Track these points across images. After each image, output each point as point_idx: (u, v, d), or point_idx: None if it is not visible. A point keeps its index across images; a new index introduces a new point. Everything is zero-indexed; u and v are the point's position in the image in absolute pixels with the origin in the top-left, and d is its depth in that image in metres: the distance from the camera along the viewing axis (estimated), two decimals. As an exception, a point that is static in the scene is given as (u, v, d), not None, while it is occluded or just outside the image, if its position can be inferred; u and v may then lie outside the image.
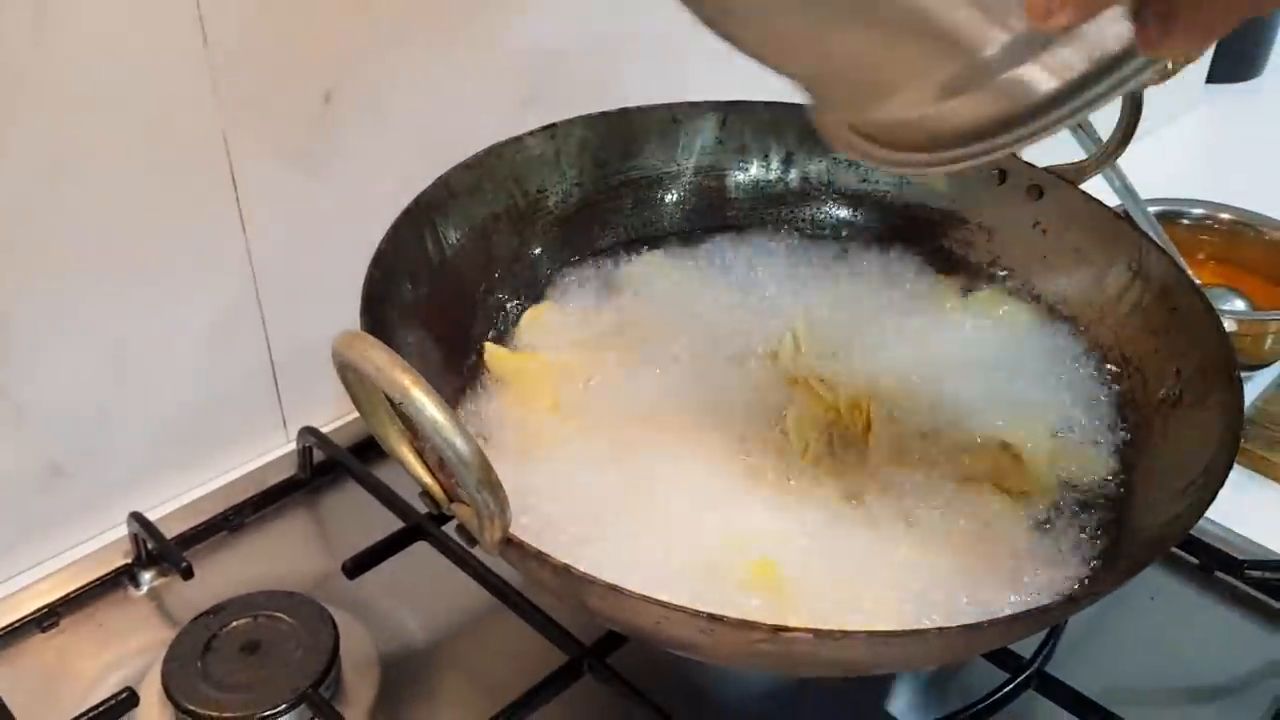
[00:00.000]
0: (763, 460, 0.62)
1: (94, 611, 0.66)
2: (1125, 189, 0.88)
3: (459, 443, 0.42)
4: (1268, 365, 0.84)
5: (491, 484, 0.44)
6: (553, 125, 0.72)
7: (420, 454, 0.50)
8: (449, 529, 0.61)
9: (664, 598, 0.45)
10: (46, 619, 0.65)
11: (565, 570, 0.46)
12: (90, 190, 0.62)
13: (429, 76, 0.74)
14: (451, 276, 0.66)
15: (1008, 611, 0.53)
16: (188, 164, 0.65)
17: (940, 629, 0.47)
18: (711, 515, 0.59)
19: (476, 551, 0.52)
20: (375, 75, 0.71)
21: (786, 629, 0.44)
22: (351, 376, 0.46)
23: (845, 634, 0.44)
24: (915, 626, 0.50)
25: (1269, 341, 0.82)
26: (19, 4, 0.56)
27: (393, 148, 0.73)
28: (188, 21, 0.62)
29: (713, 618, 0.44)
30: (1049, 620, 0.52)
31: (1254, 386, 0.83)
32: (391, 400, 0.45)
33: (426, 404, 0.42)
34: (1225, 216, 0.91)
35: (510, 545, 0.47)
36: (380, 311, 0.59)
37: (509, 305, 0.70)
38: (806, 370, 0.67)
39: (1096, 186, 0.74)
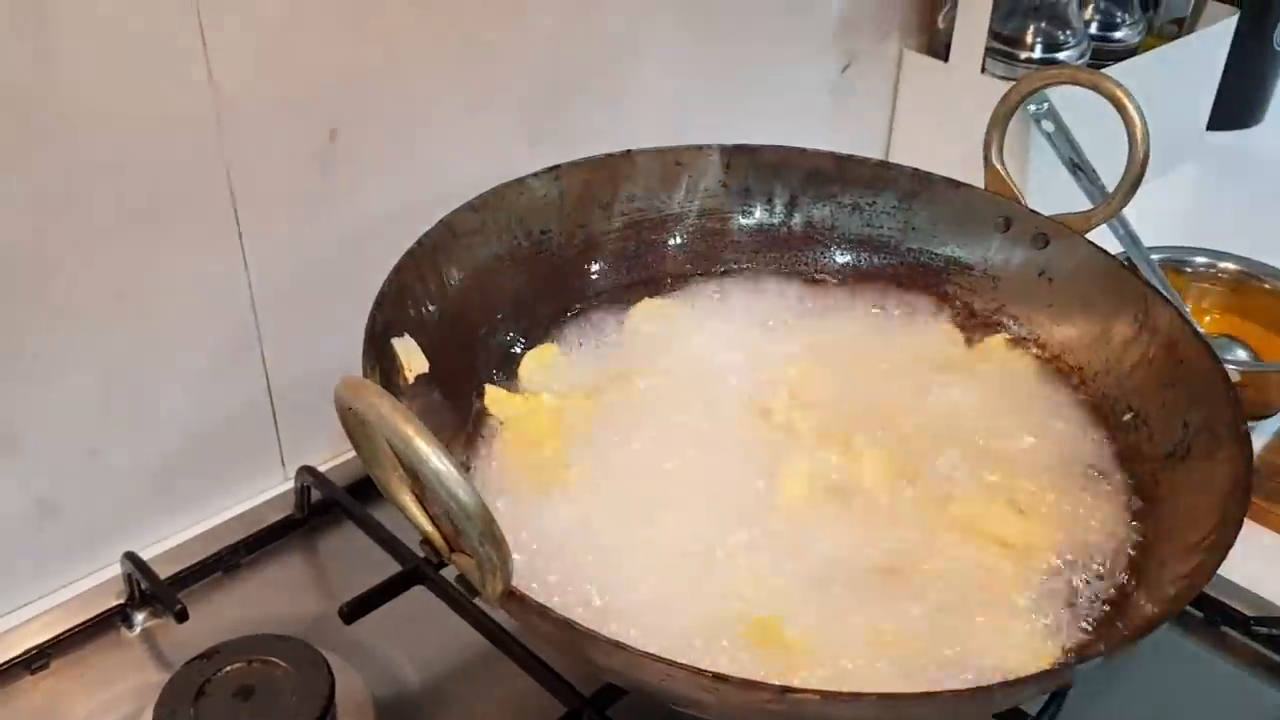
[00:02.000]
0: (762, 513, 0.61)
1: (85, 653, 0.65)
2: (1128, 236, 0.88)
3: (462, 495, 0.42)
4: (1271, 416, 0.83)
5: (495, 537, 0.43)
6: (556, 167, 0.72)
7: (422, 502, 0.49)
8: (448, 573, 0.60)
9: (665, 652, 0.45)
10: (36, 660, 0.64)
11: (568, 625, 0.45)
12: (90, 224, 0.61)
13: (434, 116, 0.73)
14: (454, 318, 0.66)
15: (1013, 670, 0.52)
16: (190, 199, 0.65)
17: (952, 691, 0.46)
18: (711, 567, 0.58)
19: (476, 599, 0.51)
20: (380, 114, 0.71)
21: (794, 690, 0.43)
22: (354, 423, 0.46)
23: (855, 696, 0.43)
24: (921, 687, 0.50)
25: (1272, 392, 0.82)
26: (21, 38, 0.56)
27: (397, 187, 0.73)
28: (193, 56, 0.62)
29: (718, 677, 0.43)
30: (1058, 681, 0.51)
31: (1258, 437, 0.82)
32: (394, 448, 0.45)
33: (430, 455, 0.41)
34: (1228, 266, 0.91)
35: (512, 598, 0.46)
36: (382, 354, 0.59)
37: (511, 347, 0.70)
38: (804, 421, 0.66)
39: (1099, 233, 0.74)
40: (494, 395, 0.67)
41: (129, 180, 0.62)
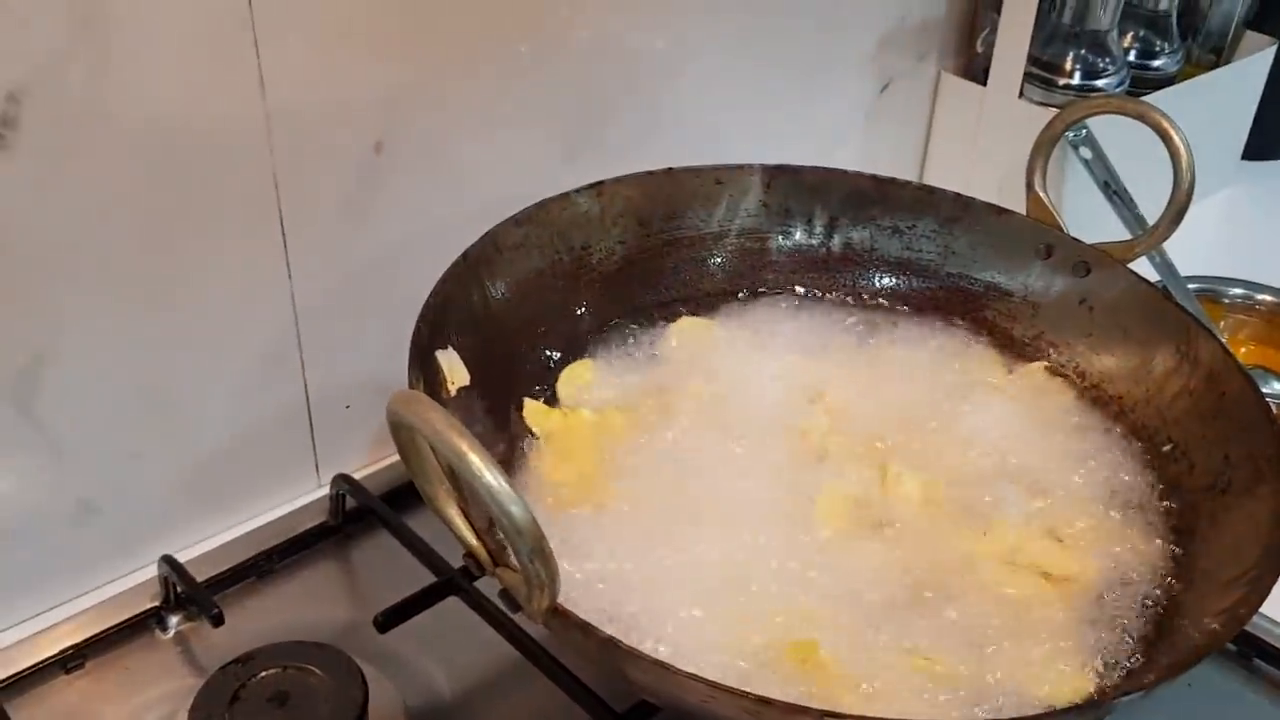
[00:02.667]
0: (798, 535, 0.61)
1: (120, 655, 0.65)
2: (1165, 265, 0.88)
3: (515, 510, 0.42)
4: (1307, 449, 0.83)
5: (544, 553, 0.43)
6: (600, 183, 0.72)
7: (467, 515, 0.49)
8: (482, 585, 0.60)
9: (699, 672, 0.45)
10: (72, 660, 0.64)
11: (611, 643, 0.46)
12: (137, 229, 0.62)
13: (479, 130, 0.74)
14: (496, 331, 0.66)
15: (1050, 702, 0.52)
16: (237, 206, 0.65)
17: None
18: (747, 588, 0.58)
19: (516, 614, 0.51)
20: (426, 127, 0.71)
21: (837, 715, 0.43)
22: (405, 436, 0.46)
23: (898, 723, 0.43)
24: (959, 716, 0.50)
25: (1309, 426, 0.81)
26: (80, 42, 0.56)
27: (441, 200, 0.73)
28: (247, 66, 0.62)
29: (761, 700, 0.43)
30: (1096, 714, 0.51)
31: (1292, 470, 0.82)
32: (446, 462, 0.45)
33: (483, 470, 0.42)
34: (1265, 298, 0.91)
35: (557, 615, 0.46)
36: (427, 366, 0.59)
37: (551, 361, 0.70)
38: (841, 444, 0.66)
39: (1136, 262, 0.73)
40: (532, 409, 0.67)
41: (177, 185, 0.62)
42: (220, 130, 0.63)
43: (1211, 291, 0.92)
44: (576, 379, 0.70)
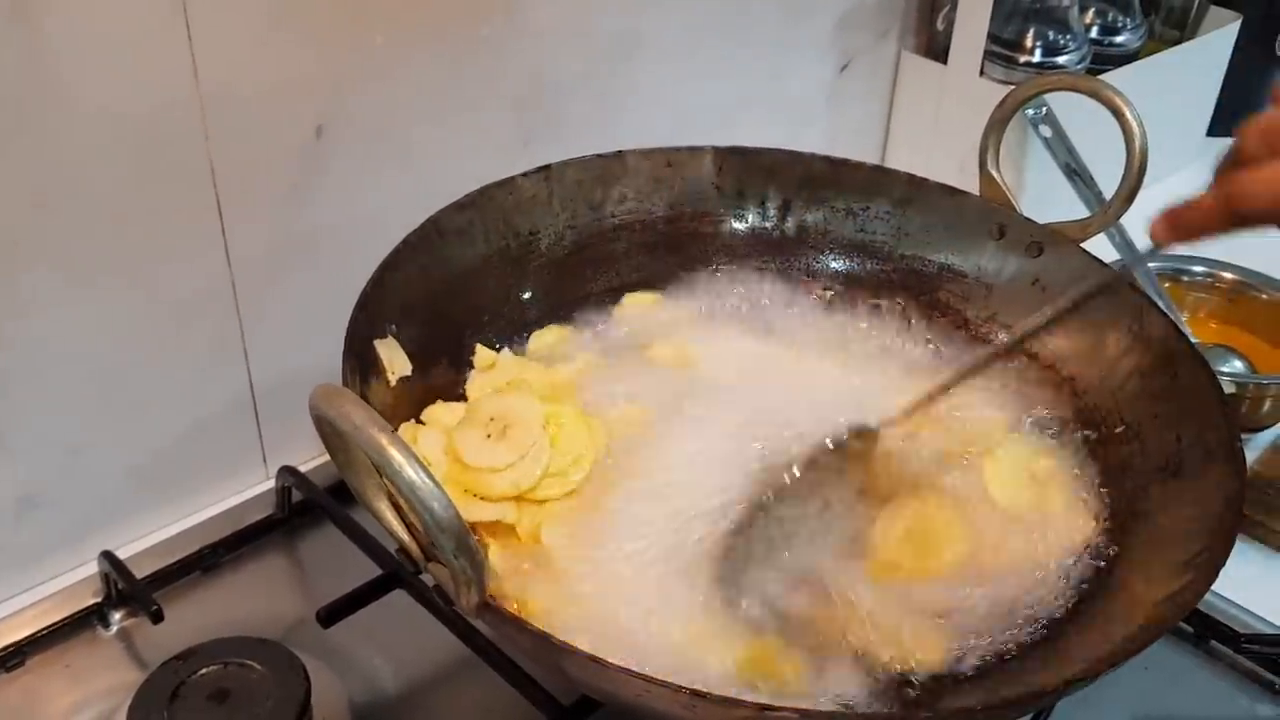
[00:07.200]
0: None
1: (61, 651, 0.64)
2: (1125, 244, 0.87)
3: (436, 506, 0.41)
4: (1265, 429, 0.82)
5: (469, 549, 0.42)
6: (547, 166, 0.71)
7: (398, 510, 0.48)
8: (428, 578, 0.59)
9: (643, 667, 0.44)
10: (12, 658, 0.63)
11: (544, 638, 0.45)
12: (71, 219, 0.61)
13: (428, 113, 0.73)
14: (439, 319, 0.65)
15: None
16: (174, 195, 0.64)
17: (932, 710, 0.46)
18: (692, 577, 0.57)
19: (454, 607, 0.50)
20: (368, 111, 0.70)
21: (773, 708, 0.42)
22: (328, 430, 0.45)
23: (833, 715, 0.42)
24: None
25: (1267, 405, 0.81)
26: (9, 29, 0.55)
27: (384, 184, 0.72)
28: (178, 51, 0.61)
29: (696, 694, 0.43)
30: (1045, 701, 0.50)
31: (1251, 449, 0.81)
32: (369, 457, 0.44)
33: (404, 466, 0.41)
34: (1227, 276, 0.90)
35: (488, 610, 0.45)
36: (364, 356, 0.58)
37: (497, 348, 0.69)
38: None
39: (1096, 240, 0.73)
40: (484, 356, 0.66)
41: (111, 175, 0.61)
42: (153, 117, 0.61)
43: (1173, 270, 0.91)
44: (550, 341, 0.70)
